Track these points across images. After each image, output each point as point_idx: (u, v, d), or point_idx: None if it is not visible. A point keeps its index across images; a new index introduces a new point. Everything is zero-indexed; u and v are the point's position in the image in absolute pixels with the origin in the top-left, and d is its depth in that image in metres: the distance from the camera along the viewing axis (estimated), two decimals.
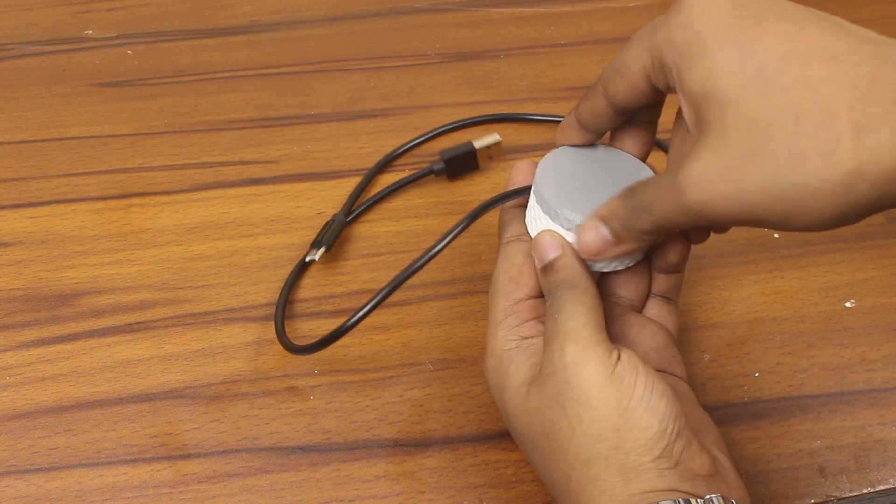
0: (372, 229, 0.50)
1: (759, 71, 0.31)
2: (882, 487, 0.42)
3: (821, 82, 0.30)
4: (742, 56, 0.31)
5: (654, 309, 0.40)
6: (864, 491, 0.42)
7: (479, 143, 0.51)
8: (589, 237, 0.36)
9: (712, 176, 0.32)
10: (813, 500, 0.41)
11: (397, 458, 0.42)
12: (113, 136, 0.54)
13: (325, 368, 0.44)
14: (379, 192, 0.51)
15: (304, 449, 0.42)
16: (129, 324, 0.46)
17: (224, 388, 0.44)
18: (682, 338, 0.46)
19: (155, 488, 0.41)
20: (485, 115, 0.55)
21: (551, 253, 0.36)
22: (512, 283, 0.37)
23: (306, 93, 0.57)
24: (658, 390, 0.33)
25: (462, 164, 0.52)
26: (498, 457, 0.42)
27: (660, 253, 0.39)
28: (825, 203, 0.30)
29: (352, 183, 0.52)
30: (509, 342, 0.36)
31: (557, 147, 0.40)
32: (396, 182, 0.51)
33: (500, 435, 0.43)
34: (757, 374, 0.45)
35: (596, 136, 0.39)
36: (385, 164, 0.53)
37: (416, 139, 0.54)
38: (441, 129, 0.54)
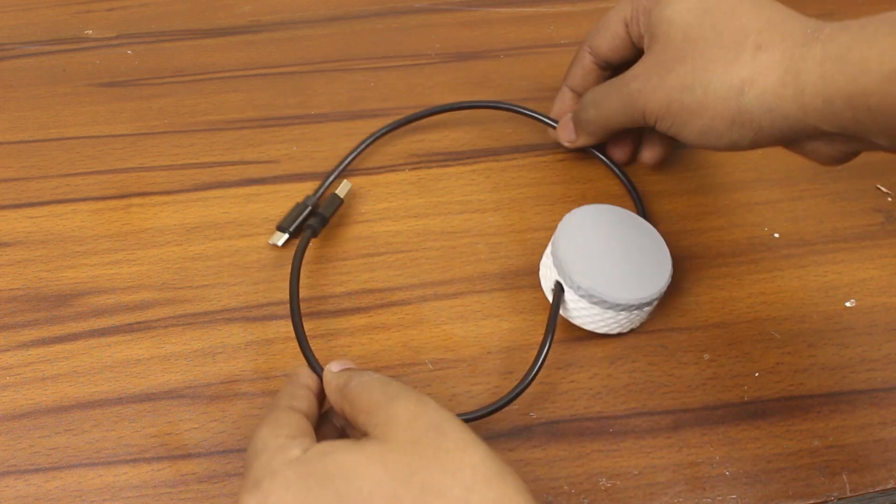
0: (372, 229, 0.50)
1: (703, 2, 0.41)
2: (882, 487, 0.42)
3: (745, 13, 0.40)
4: None
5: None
6: (864, 491, 0.42)
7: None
8: (560, 128, 0.51)
9: (649, 71, 0.43)
10: (813, 500, 0.41)
11: None
12: (113, 136, 0.54)
13: None
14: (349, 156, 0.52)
15: None
16: (129, 324, 0.46)
17: (224, 388, 0.44)
18: (682, 337, 0.46)
19: (155, 488, 0.41)
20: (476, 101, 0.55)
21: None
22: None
23: (306, 93, 0.57)
24: None
25: None
26: None
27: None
28: (721, 103, 0.40)
29: (352, 183, 0.52)
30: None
31: (561, 134, 0.51)
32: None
33: (500, 435, 0.43)
34: (757, 374, 0.45)
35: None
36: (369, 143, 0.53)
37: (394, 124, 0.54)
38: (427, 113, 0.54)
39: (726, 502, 0.41)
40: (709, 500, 0.41)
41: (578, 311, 0.44)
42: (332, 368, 0.39)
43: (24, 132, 0.54)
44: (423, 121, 0.55)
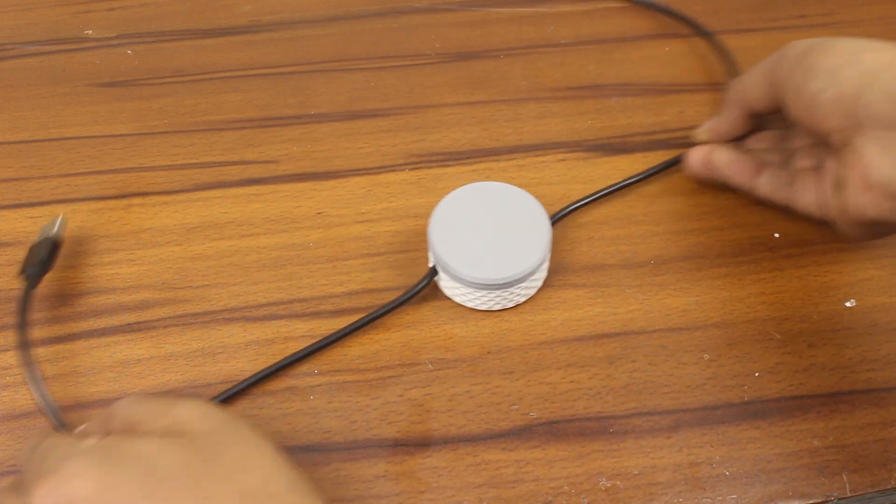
0: (372, 229, 0.50)
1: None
2: (882, 487, 0.42)
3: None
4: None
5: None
6: (864, 491, 0.42)
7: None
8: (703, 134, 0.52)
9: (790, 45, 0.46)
10: (813, 500, 0.41)
11: (397, 458, 0.42)
12: (113, 136, 0.54)
13: (325, 368, 0.44)
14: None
15: (304, 449, 0.42)
16: (129, 324, 0.46)
17: (224, 388, 0.44)
18: (682, 338, 0.46)
19: None
20: None
21: None
22: None
23: (306, 93, 0.57)
24: None
25: None
26: (498, 457, 0.42)
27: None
28: (839, 50, 0.42)
29: (352, 183, 0.52)
30: None
31: None
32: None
33: (500, 435, 0.43)
34: (757, 374, 0.45)
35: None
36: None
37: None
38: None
39: (726, 502, 0.41)
40: (709, 500, 0.41)
41: (452, 291, 0.46)
42: (83, 426, 0.38)
43: (24, 132, 0.54)
44: (423, 120, 0.55)
